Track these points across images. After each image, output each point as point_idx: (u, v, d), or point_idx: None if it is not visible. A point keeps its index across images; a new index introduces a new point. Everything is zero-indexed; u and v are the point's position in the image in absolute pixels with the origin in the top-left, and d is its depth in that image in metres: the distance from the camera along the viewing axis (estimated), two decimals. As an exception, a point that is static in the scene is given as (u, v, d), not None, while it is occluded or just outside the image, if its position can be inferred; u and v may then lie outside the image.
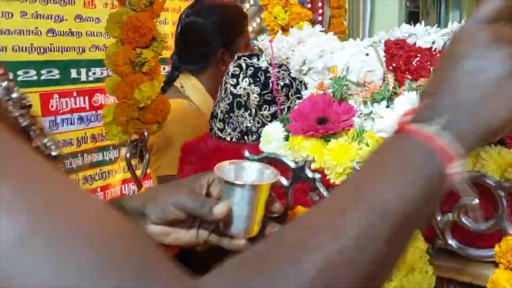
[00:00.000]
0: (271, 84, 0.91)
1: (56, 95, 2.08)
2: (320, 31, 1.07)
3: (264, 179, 0.76)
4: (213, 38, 1.60)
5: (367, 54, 0.96)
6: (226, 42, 1.61)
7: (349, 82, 0.92)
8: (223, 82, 0.97)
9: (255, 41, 1.04)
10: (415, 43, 0.93)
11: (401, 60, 0.93)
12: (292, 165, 0.85)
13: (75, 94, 2.15)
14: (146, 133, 1.04)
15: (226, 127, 0.95)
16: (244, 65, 0.93)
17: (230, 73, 0.94)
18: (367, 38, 1.01)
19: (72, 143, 2.12)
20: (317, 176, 0.82)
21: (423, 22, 0.95)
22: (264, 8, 1.41)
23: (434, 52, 0.92)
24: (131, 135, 1.04)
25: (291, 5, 1.39)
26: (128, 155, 1.04)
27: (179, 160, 1.02)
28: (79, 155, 2.15)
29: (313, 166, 0.82)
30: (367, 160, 0.47)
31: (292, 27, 1.44)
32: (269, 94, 0.92)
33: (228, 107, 0.94)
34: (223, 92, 0.96)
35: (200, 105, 1.60)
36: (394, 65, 0.93)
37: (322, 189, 0.82)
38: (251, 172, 0.80)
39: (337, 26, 2.74)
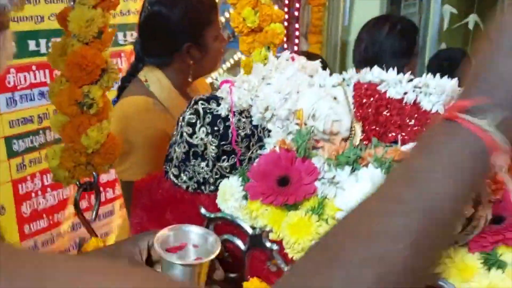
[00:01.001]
0: (230, 135, 0.85)
1: (12, 70, 1.94)
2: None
3: (207, 247, 0.77)
4: (179, 30, 1.47)
5: (335, 98, 0.90)
6: (193, 34, 1.49)
7: (315, 129, 0.87)
8: (179, 124, 0.89)
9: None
10: (385, 92, 0.87)
11: (370, 109, 0.87)
12: (250, 231, 0.81)
13: (34, 68, 2.02)
14: (96, 175, 0.97)
15: (182, 175, 0.89)
16: (201, 111, 0.86)
17: (186, 121, 0.86)
18: (336, 74, 0.93)
19: (33, 120, 2.01)
20: (275, 247, 0.78)
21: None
22: (232, 7, 1.30)
23: (404, 105, 0.86)
24: (80, 179, 0.97)
25: (262, 4, 1.28)
26: (77, 198, 0.97)
27: (132, 199, 0.96)
28: (41, 132, 2.05)
29: (271, 236, 0.78)
30: (418, 154, 0.49)
31: (262, 29, 1.34)
32: (228, 145, 0.85)
33: (184, 156, 0.87)
34: (178, 136, 0.89)
35: (166, 102, 1.50)
36: (362, 114, 0.87)
37: (279, 261, 0.78)
38: (194, 236, 0.80)
39: (316, -2, 2.59)
